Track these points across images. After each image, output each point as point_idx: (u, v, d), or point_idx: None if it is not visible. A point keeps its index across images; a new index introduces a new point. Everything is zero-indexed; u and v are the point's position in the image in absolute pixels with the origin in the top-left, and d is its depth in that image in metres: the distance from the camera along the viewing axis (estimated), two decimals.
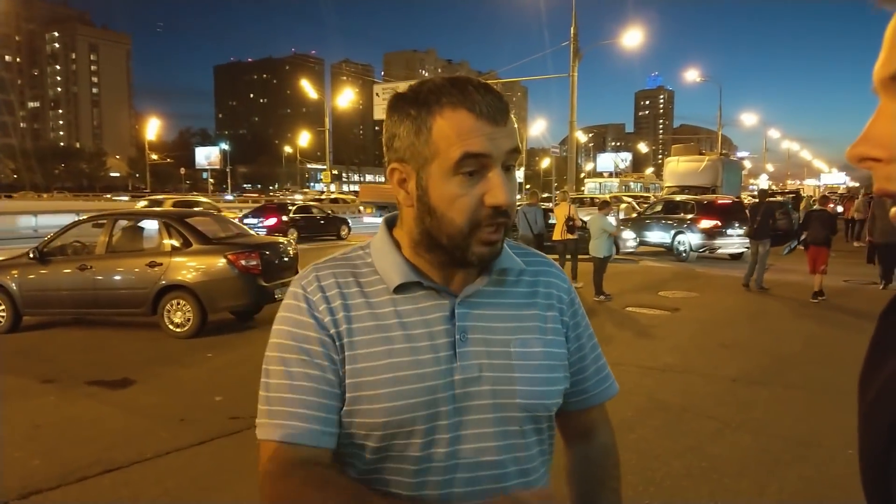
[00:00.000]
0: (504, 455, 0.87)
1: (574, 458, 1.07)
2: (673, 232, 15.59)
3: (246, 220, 22.04)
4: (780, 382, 5.57)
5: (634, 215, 17.57)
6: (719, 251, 15.29)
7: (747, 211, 11.40)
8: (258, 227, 21.23)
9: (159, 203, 20.60)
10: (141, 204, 22.91)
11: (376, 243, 0.94)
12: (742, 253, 15.31)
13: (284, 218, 20.88)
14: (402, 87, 0.90)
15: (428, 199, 0.84)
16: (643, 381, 5.51)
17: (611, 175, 64.17)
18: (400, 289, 0.88)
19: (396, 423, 0.84)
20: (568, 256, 10.76)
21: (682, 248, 15.22)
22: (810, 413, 4.80)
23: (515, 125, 0.86)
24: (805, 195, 30.67)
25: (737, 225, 14.68)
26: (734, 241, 14.87)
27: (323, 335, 0.86)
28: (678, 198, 18.44)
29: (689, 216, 15.46)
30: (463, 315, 0.88)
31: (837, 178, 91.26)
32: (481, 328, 0.89)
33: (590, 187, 45.23)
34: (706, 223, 14.93)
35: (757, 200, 11.05)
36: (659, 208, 17.31)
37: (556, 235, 10.81)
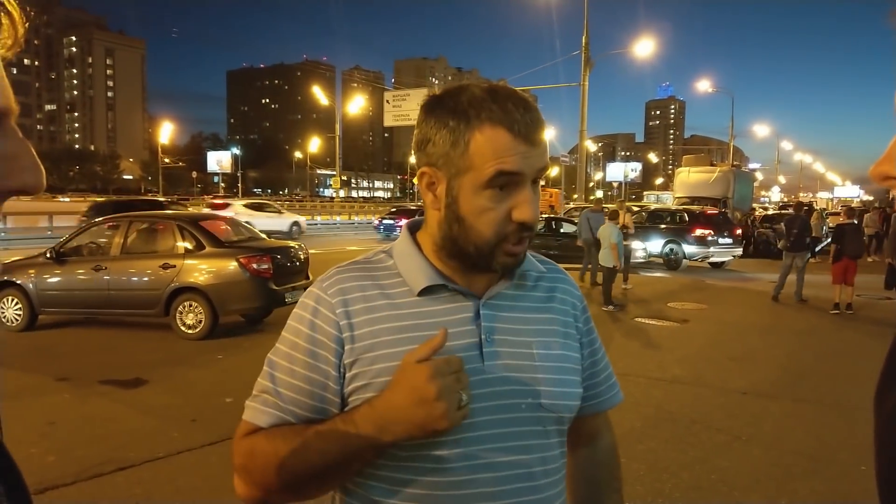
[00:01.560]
0: (531, 455, 0.89)
1: (577, 460, 1.08)
2: (664, 241, 15.99)
3: (385, 221, 25.33)
4: (791, 396, 5.54)
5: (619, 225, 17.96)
6: (711, 259, 16.06)
7: (783, 224, 11.60)
8: (396, 226, 23.37)
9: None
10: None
11: (399, 247, 0.95)
12: (724, 262, 16.23)
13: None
14: (435, 90, 0.90)
15: (457, 208, 0.86)
16: (652, 393, 5.50)
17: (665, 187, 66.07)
18: (424, 291, 0.89)
19: None
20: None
21: (674, 256, 15.86)
22: (822, 427, 4.77)
23: (547, 142, 0.88)
24: (818, 208, 30.37)
25: (726, 234, 15.83)
26: (724, 249, 15.86)
27: (333, 340, 0.87)
28: (653, 206, 18.98)
29: (669, 226, 16.24)
30: (488, 317, 0.90)
31: (851, 192, 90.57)
32: (505, 330, 0.91)
33: (650, 199, 46.25)
34: (701, 232, 15.72)
35: (793, 213, 11.21)
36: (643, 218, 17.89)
37: None
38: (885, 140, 0.58)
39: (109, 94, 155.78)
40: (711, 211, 17.19)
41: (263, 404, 0.88)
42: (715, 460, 4.07)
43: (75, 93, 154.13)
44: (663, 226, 16.69)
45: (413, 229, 0.96)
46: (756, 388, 5.68)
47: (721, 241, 15.76)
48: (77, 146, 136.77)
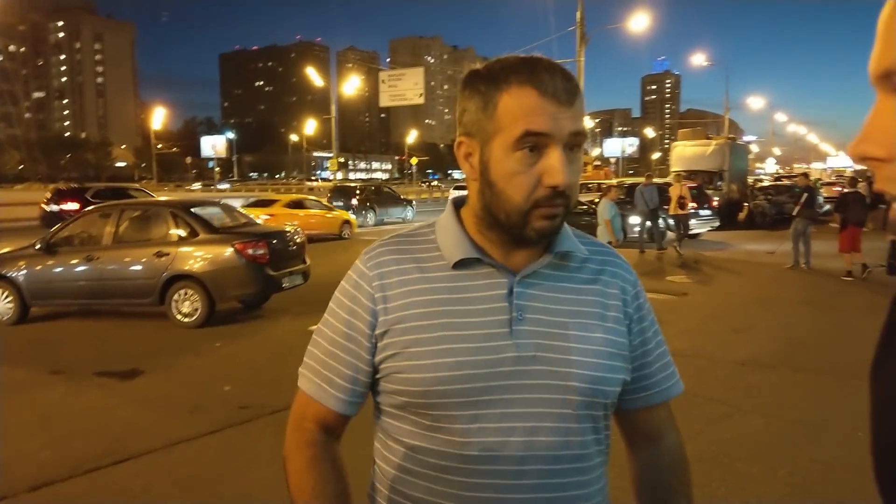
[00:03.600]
0: (556, 438, 0.86)
1: (641, 463, 1.03)
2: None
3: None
4: (790, 366, 5.53)
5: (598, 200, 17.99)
6: (690, 231, 16.37)
7: (799, 192, 11.84)
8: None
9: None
10: None
11: (442, 221, 0.96)
12: (699, 233, 16.76)
13: None
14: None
15: (489, 174, 0.86)
16: None
17: None
18: (460, 265, 0.90)
19: (442, 393, 0.85)
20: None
21: (657, 230, 15.85)
22: (821, 396, 4.77)
23: (583, 108, 0.87)
24: (812, 178, 30.29)
25: (705, 206, 16.43)
26: (703, 221, 16.47)
27: (368, 312, 0.91)
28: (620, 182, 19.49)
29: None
30: (521, 294, 0.89)
31: (844, 162, 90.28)
32: (539, 308, 0.89)
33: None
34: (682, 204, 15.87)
35: (803, 184, 11.88)
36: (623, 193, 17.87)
37: (672, 210, 13.42)
38: None
39: (99, 79, 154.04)
40: (690, 184, 17.42)
41: (310, 371, 0.96)
42: (716, 432, 4.06)
43: (64, 79, 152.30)
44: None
45: (458, 205, 0.98)
46: (756, 359, 5.66)
47: (700, 213, 16.23)
48: (67, 134, 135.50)
